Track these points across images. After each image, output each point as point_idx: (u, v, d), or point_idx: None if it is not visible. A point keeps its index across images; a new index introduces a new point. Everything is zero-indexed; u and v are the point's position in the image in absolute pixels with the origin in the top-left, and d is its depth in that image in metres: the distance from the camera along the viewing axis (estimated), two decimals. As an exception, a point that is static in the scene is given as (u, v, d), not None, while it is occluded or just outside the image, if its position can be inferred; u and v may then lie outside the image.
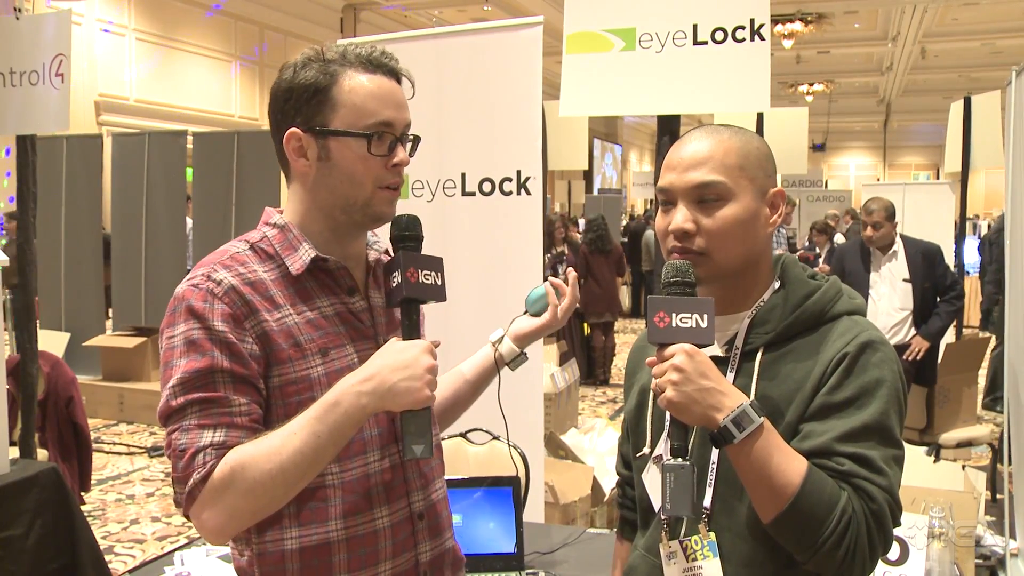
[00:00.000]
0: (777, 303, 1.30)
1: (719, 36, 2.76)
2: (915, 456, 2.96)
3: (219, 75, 14.14)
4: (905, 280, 4.78)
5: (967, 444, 5.02)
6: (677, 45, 2.81)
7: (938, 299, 4.81)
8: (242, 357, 1.21)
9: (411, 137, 1.33)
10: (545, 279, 1.70)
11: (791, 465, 1.16)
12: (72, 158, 7.64)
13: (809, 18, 15.35)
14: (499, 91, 3.14)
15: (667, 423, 1.22)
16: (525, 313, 1.65)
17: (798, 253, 10.54)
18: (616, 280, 8.69)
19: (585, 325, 8.53)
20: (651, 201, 19.21)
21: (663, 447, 1.27)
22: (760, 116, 6.31)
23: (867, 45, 18.84)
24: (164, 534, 4.55)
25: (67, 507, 3.14)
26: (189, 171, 7.63)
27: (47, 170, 7.22)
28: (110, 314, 7.99)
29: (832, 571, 1.17)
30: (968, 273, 9.30)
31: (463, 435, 2.49)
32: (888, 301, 4.80)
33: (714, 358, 1.28)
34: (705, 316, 1.18)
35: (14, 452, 3.41)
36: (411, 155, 1.33)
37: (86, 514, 3.62)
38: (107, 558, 3.60)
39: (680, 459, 1.17)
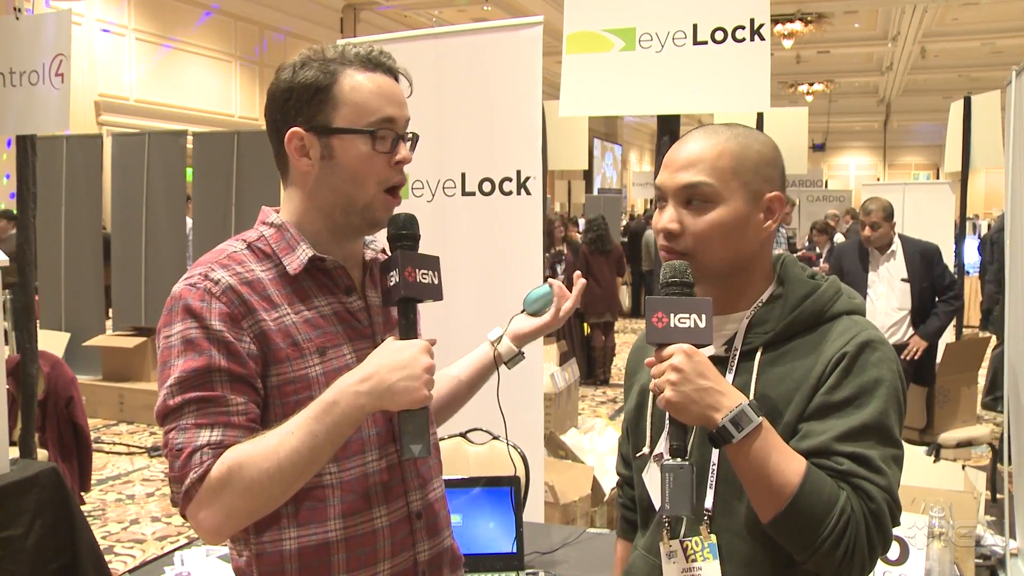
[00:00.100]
0: (776, 303, 1.30)
1: (719, 36, 2.76)
2: (915, 456, 2.96)
3: (219, 75, 14.14)
4: (903, 280, 4.79)
5: (967, 444, 5.02)
6: (677, 45, 2.81)
7: (936, 299, 4.81)
8: (239, 356, 1.21)
9: (410, 135, 1.34)
10: (545, 279, 1.70)
11: (790, 465, 1.16)
12: (72, 158, 7.64)
13: (809, 18, 15.35)
14: (499, 91, 3.13)
15: (667, 423, 1.22)
16: (522, 312, 1.65)
17: (799, 253, 10.55)
18: (616, 280, 8.69)
19: (585, 325, 8.53)
20: (651, 201, 19.19)
21: (663, 446, 1.27)
22: (760, 116, 6.30)
23: (867, 45, 18.84)
24: (164, 534, 4.55)
25: (67, 507, 3.14)
26: (189, 171, 7.63)
27: (47, 170, 7.22)
28: (110, 314, 7.99)
29: (831, 571, 1.17)
30: (968, 273, 9.30)
31: (463, 435, 2.49)
32: (886, 301, 4.81)
33: (713, 358, 1.28)
34: (703, 316, 1.18)
35: (14, 452, 3.41)
36: (410, 152, 1.34)
37: (86, 514, 3.62)
38: (107, 558, 3.60)
39: (679, 459, 1.17)
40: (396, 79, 1.33)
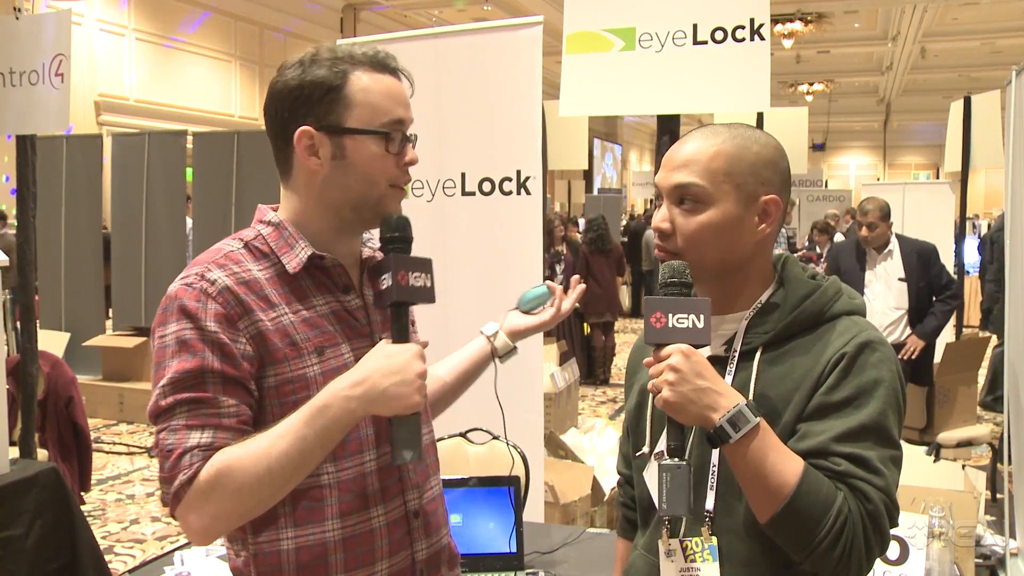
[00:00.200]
0: (776, 303, 1.30)
1: (719, 36, 2.76)
2: (915, 456, 2.96)
3: (219, 75, 14.14)
4: (900, 279, 4.79)
5: (967, 444, 5.02)
6: (677, 45, 2.81)
7: (933, 298, 4.81)
8: (233, 358, 1.20)
9: (412, 136, 1.34)
10: (545, 279, 1.70)
11: (787, 465, 1.16)
12: (72, 158, 7.64)
13: (809, 18, 15.35)
14: (499, 91, 3.13)
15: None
16: (516, 309, 1.66)
17: (799, 253, 10.55)
18: (616, 280, 8.69)
19: (585, 325, 8.53)
20: (651, 201, 19.20)
21: (663, 445, 1.27)
22: (760, 116, 6.30)
23: (867, 45, 18.84)
24: (164, 534, 4.55)
25: (67, 507, 3.14)
26: (189, 171, 7.63)
27: (47, 170, 7.22)
28: (110, 314, 7.99)
29: (828, 571, 1.17)
30: (968, 273, 9.30)
31: (463, 435, 2.49)
32: (883, 300, 4.81)
33: (713, 358, 1.29)
34: (701, 316, 1.18)
35: (14, 452, 3.41)
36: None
37: (86, 514, 3.62)
38: (107, 558, 3.60)
39: (676, 459, 1.17)
40: (400, 81, 1.34)
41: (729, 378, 1.27)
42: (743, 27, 2.73)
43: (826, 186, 16.93)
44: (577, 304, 1.69)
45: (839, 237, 9.74)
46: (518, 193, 3.12)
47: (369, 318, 1.36)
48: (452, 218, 3.23)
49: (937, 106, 20.90)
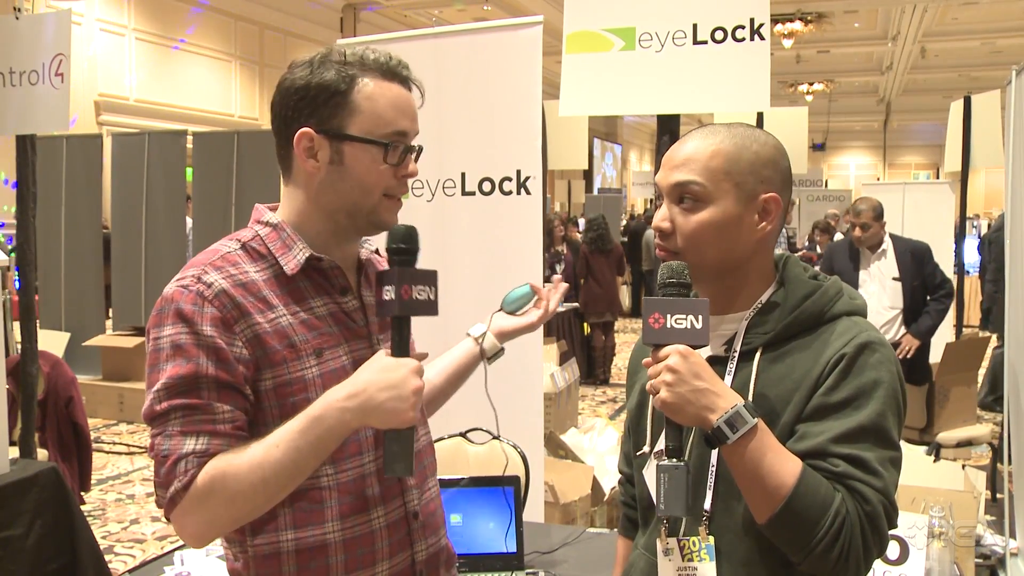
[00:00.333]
0: (776, 303, 1.30)
1: (719, 36, 2.76)
2: (915, 456, 2.97)
3: (219, 75, 14.14)
4: (895, 279, 4.79)
5: (967, 444, 5.02)
6: (677, 45, 2.81)
7: (928, 298, 4.81)
8: (228, 363, 1.20)
9: (416, 147, 1.34)
10: (546, 279, 1.70)
11: (785, 466, 1.16)
12: (72, 158, 7.64)
13: (809, 18, 15.35)
14: (499, 91, 3.13)
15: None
16: (500, 310, 1.66)
17: (799, 253, 10.55)
18: (616, 280, 8.69)
19: (585, 325, 8.53)
20: (651, 201, 19.21)
21: (663, 445, 1.27)
22: (760, 116, 6.31)
23: (867, 45, 18.84)
24: (164, 534, 4.55)
25: (67, 507, 3.14)
26: (189, 171, 7.63)
27: (47, 170, 7.22)
28: (110, 314, 7.99)
29: (826, 572, 1.17)
30: (968, 273, 9.30)
31: (463, 435, 2.49)
32: (878, 300, 4.81)
33: (713, 357, 1.29)
34: (700, 317, 1.18)
35: (14, 452, 3.41)
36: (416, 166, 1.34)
37: (86, 514, 3.62)
38: (107, 558, 3.61)
39: (675, 460, 1.17)
40: (410, 90, 1.33)
41: (729, 378, 1.27)
42: (743, 27, 2.73)
43: (826, 186, 16.93)
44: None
45: (839, 237, 9.75)
46: (518, 193, 3.12)
47: (367, 320, 1.36)
48: (452, 218, 3.23)
49: (937, 106, 20.90)
